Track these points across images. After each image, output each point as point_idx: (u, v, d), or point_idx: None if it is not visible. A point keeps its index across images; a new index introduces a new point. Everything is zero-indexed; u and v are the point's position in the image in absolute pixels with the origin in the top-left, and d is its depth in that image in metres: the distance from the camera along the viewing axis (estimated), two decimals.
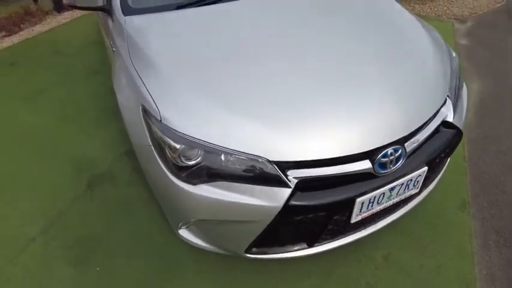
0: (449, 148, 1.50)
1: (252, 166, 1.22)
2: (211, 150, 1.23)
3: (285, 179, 1.22)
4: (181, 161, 1.25)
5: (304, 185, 1.25)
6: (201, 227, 1.43)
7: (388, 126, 1.31)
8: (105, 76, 3.16)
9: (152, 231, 1.86)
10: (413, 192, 1.50)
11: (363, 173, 1.29)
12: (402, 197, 1.48)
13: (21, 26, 4.48)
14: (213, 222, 1.34)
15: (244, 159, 1.22)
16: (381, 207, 1.43)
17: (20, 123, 2.69)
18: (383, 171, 1.32)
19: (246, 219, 1.27)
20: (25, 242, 1.83)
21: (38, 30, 4.37)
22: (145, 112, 1.36)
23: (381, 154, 1.28)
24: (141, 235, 1.84)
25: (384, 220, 1.58)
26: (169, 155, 1.27)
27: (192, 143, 1.24)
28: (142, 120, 1.37)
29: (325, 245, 1.47)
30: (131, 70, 1.49)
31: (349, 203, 1.31)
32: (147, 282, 1.65)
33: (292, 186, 1.22)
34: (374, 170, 1.30)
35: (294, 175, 1.23)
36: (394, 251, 1.76)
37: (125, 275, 1.67)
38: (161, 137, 1.28)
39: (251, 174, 1.22)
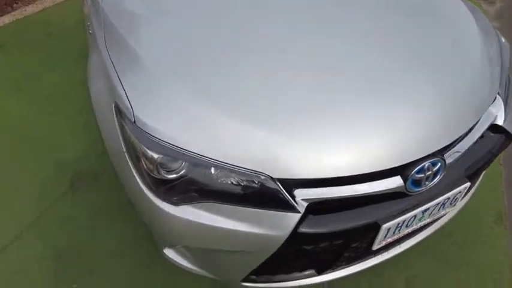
0: (495, 157, 1.21)
1: (250, 184, 0.95)
2: (198, 163, 0.96)
3: (293, 202, 0.94)
4: (160, 174, 0.99)
5: (316, 207, 0.98)
6: (189, 250, 1.17)
7: (425, 135, 1.01)
8: None
9: (138, 243, 1.62)
10: (448, 210, 1.23)
11: (391, 192, 1.01)
12: (435, 217, 1.21)
13: (14, 5, 4.21)
14: (199, 250, 1.09)
15: (240, 175, 0.95)
16: (409, 230, 1.16)
17: (3, 112, 2.45)
18: (417, 190, 1.04)
19: (243, 250, 1.01)
20: None
21: (30, 10, 4.08)
22: (119, 111, 1.08)
23: (416, 169, 0.99)
24: (125, 247, 1.61)
25: (409, 241, 1.31)
26: (144, 165, 1.00)
27: (173, 153, 0.97)
28: (116, 121, 1.10)
29: (337, 272, 1.22)
30: (105, 58, 1.21)
31: (373, 229, 1.04)
32: None
33: (302, 210, 0.95)
34: (406, 189, 1.02)
35: (304, 196, 0.95)
36: (419, 274, 1.49)
37: None
38: (134, 143, 1.01)
39: (249, 195, 0.95)
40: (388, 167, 0.97)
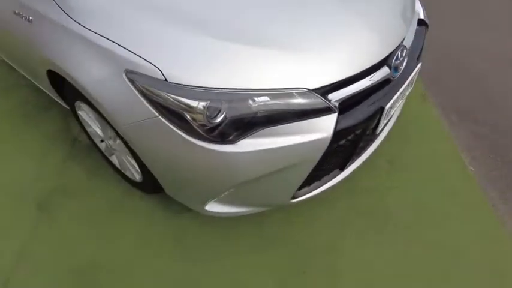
0: (424, 40, 1.58)
1: (292, 101, 1.07)
2: (241, 98, 1.03)
3: (330, 104, 1.11)
4: (210, 120, 1.02)
5: (341, 107, 1.17)
6: (237, 192, 1.24)
7: (394, 30, 1.31)
8: None
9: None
10: (409, 90, 1.57)
11: (382, 81, 1.27)
12: (404, 98, 1.54)
13: None
14: (253, 182, 1.17)
15: (280, 96, 1.06)
16: (394, 111, 1.46)
17: None
18: (396, 74, 1.32)
19: (296, 162, 1.14)
20: None
21: None
22: (132, 78, 1.04)
23: (394, 57, 1.27)
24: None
25: (386, 129, 1.64)
26: (190, 118, 1.02)
27: (214, 95, 1.01)
28: (133, 89, 1.05)
29: (354, 164, 1.46)
30: (80, 32, 1.11)
31: (379, 112, 1.29)
32: None
33: (337, 110, 1.13)
34: (392, 75, 1.29)
35: (335, 98, 1.13)
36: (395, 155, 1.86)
37: None
38: (174, 100, 1.01)
39: (293, 110, 1.08)
40: (380, 59, 1.23)
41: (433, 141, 1.95)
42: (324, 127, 1.12)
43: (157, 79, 1.02)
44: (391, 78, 1.32)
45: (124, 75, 1.05)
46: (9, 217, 1.64)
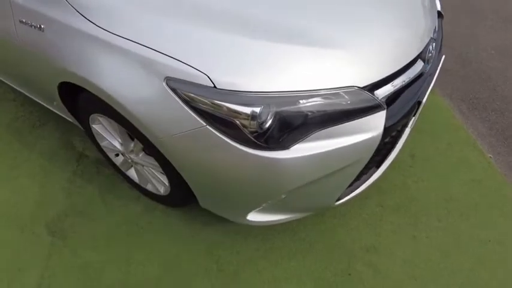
0: (442, 31, 1.59)
1: (342, 100, 1.03)
2: (291, 100, 0.97)
3: (379, 101, 1.07)
4: (261, 127, 0.96)
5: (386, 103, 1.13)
6: (282, 199, 1.18)
7: (426, 23, 1.31)
8: None
9: None
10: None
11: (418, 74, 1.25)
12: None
13: None
14: (303, 187, 1.12)
15: (331, 96, 1.01)
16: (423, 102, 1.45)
17: None
18: (428, 66, 1.31)
19: (349, 163, 1.09)
20: None
21: None
22: (174, 86, 0.96)
23: (427, 51, 1.26)
24: None
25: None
26: (241, 125, 0.95)
27: (265, 100, 0.95)
28: (175, 97, 0.97)
29: (388, 160, 1.44)
30: (108, 38, 1.01)
31: (417, 106, 1.27)
32: None
33: (385, 107, 1.09)
34: (425, 68, 1.28)
35: (382, 95, 1.09)
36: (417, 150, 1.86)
37: None
38: (225, 108, 0.94)
39: (344, 110, 1.03)
40: (417, 53, 1.21)
41: (448, 131, 1.97)
42: (375, 125, 1.08)
43: (205, 86, 0.94)
44: (424, 71, 1.30)
45: (164, 84, 0.97)
46: (20, 249, 1.49)
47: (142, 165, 1.44)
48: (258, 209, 1.20)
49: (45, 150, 1.85)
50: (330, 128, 1.02)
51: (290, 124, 0.99)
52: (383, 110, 1.09)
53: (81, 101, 1.31)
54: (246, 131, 0.96)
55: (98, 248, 1.50)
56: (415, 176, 1.74)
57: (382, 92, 1.10)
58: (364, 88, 1.05)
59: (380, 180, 1.66)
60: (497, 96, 2.21)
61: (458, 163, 1.81)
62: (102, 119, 1.34)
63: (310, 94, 0.99)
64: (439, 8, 1.61)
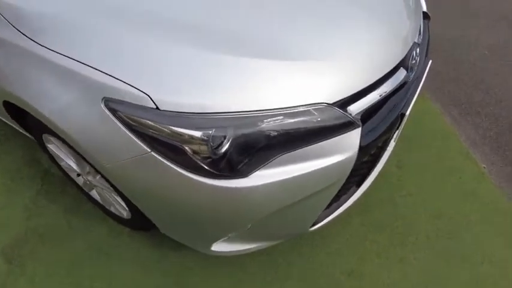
0: (428, 33, 1.46)
1: (310, 118, 0.90)
2: (250, 121, 0.85)
3: (352, 118, 0.95)
4: (215, 151, 0.84)
5: (362, 119, 1.01)
6: (247, 229, 1.06)
7: (409, 27, 1.17)
8: None
9: None
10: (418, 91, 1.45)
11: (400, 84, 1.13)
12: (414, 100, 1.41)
13: None
14: (270, 216, 0.99)
15: (296, 114, 0.89)
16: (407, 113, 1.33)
17: None
18: (411, 74, 1.19)
19: (320, 188, 0.97)
20: None
21: None
22: (114, 108, 0.83)
23: (410, 58, 1.13)
24: None
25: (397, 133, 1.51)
26: (191, 151, 0.83)
27: (222, 121, 0.83)
28: (115, 121, 0.84)
29: (371, 177, 1.32)
30: (41, 53, 0.89)
31: (400, 120, 1.15)
32: None
33: (359, 123, 0.97)
34: (408, 77, 1.15)
35: (356, 110, 0.97)
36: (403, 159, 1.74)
37: None
38: (170, 132, 0.82)
39: (312, 130, 0.91)
40: (398, 62, 1.08)
41: (438, 139, 1.85)
42: (348, 145, 0.96)
43: (146, 107, 0.81)
44: (408, 80, 1.18)
45: (103, 105, 0.84)
46: None
47: (102, 188, 1.31)
48: (222, 239, 1.08)
49: (9, 167, 1.73)
50: (295, 151, 0.89)
51: (251, 148, 0.86)
52: (357, 127, 0.96)
53: (30, 120, 1.19)
54: (197, 157, 0.83)
55: (58, 276, 1.38)
56: (403, 189, 1.62)
57: (357, 108, 0.97)
58: (334, 104, 0.93)
59: (364, 197, 1.55)
60: (491, 100, 2.09)
61: (449, 174, 1.69)
62: (53, 139, 1.22)
63: (273, 113, 0.87)
64: (424, 8, 1.49)
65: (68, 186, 1.63)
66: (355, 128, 0.96)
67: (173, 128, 0.81)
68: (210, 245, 1.11)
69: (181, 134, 0.81)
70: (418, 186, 1.63)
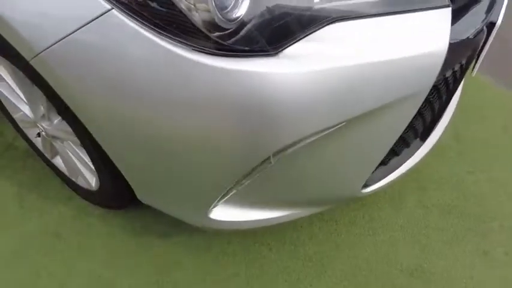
0: None
1: None
2: None
3: None
4: (223, 17, 0.49)
5: None
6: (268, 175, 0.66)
7: None
8: None
9: None
10: None
11: None
12: None
13: None
14: (307, 148, 0.61)
15: None
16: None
17: None
18: None
19: (392, 99, 0.59)
20: None
21: None
22: None
23: None
24: None
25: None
26: (187, 10, 0.48)
27: None
28: None
29: (438, 128, 0.94)
30: None
31: (488, 33, 0.79)
32: None
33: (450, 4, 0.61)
34: None
35: None
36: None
37: None
38: None
39: None
40: None
41: (494, 108, 1.48)
42: (435, 32, 0.60)
43: None
44: None
45: None
46: None
47: (62, 141, 0.96)
48: (228, 196, 0.69)
49: None
50: (358, 20, 0.54)
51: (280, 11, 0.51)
52: (446, 7, 0.61)
53: None
54: (197, 22, 0.48)
55: (12, 270, 0.99)
56: (466, 165, 1.23)
57: None
58: None
59: (420, 174, 1.17)
60: None
61: None
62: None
63: None
64: None
65: (31, 160, 1.27)
66: (443, 8, 0.61)
67: None
68: (209, 209, 0.71)
69: None
70: (483, 162, 1.25)
